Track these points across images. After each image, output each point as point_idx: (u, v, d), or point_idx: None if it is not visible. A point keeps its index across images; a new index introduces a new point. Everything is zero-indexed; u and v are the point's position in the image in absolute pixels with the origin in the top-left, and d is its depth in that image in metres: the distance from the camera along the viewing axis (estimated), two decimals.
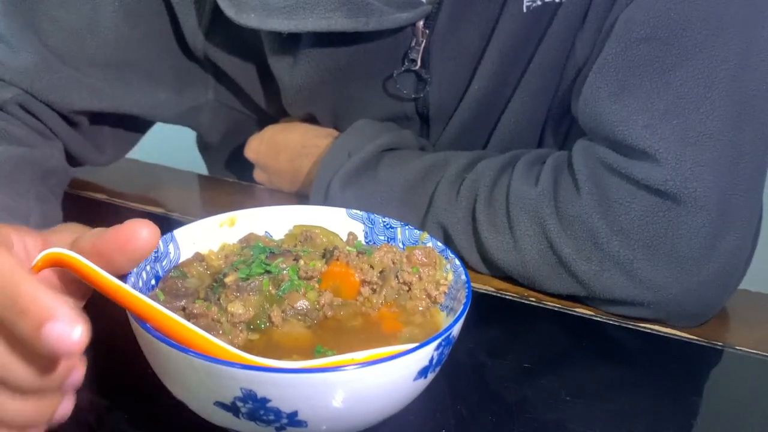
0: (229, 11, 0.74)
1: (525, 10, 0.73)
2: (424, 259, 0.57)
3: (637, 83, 0.66)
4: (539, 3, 0.73)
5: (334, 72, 0.79)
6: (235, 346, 0.49)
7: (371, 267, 0.56)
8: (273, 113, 0.90)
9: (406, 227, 0.60)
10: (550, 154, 0.73)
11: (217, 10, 0.77)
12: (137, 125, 0.87)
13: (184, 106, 0.87)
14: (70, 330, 0.37)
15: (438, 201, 0.74)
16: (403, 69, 0.79)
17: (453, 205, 0.73)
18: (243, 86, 0.87)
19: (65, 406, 0.44)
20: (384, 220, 0.61)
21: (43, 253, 0.44)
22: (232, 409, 0.44)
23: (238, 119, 0.93)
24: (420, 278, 0.56)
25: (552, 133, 0.81)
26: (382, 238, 0.61)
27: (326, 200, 0.77)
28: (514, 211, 0.70)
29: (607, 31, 0.70)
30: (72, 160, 0.81)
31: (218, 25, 0.80)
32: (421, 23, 0.76)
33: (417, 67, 0.78)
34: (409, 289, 0.56)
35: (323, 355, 0.48)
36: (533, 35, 0.75)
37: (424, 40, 0.77)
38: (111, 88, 0.79)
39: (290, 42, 0.78)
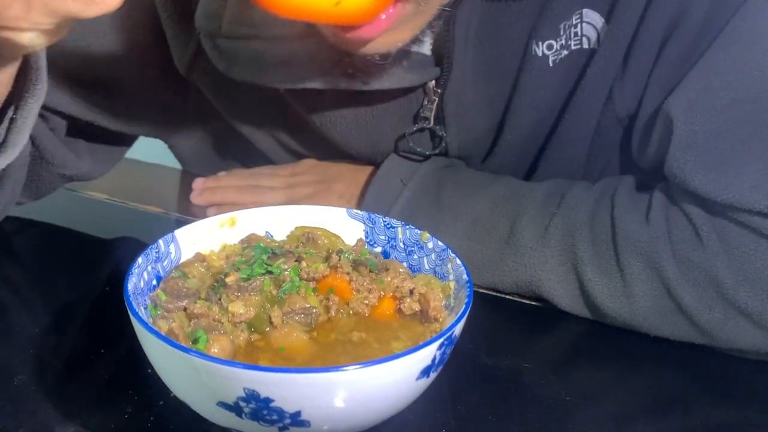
0: (220, 64, 0.71)
1: (551, 64, 0.70)
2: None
3: (728, 148, 0.63)
4: (565, 53, 0.70)
5: (340, 134, 0.76)
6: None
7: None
8: (256, 139, 0.85)
9: (407, 227, 0.60)
10: (655, 186, 0.68)
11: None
12: (116, 139, 0.83)
13: (161, 124, 0.84)
14: None
15: (522, 240, 0.68)
16: (415, 129, 0.75)
17: (541, 244, 0.68)
18: (225, 115, 0.84)
19: None
20: (385, 220, 0.61)
21: None
22: (235, 409, 0.44)
23: (217, 142, 0.89)
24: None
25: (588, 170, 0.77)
26: (382, 237, 0.61)
27: None
28: (624, 253, 0.65)
29: (663, 89, 0.67)
30: (51, 166, 0.75)
31: (203, 54, 0.76)
32: (432, 83, 0.72)
33: (430, 125, 0.75)
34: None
35: None
36: (565, 84, 0.72)
37: (437, 99, 0.73)
38: (91, 101, 0.75)
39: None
